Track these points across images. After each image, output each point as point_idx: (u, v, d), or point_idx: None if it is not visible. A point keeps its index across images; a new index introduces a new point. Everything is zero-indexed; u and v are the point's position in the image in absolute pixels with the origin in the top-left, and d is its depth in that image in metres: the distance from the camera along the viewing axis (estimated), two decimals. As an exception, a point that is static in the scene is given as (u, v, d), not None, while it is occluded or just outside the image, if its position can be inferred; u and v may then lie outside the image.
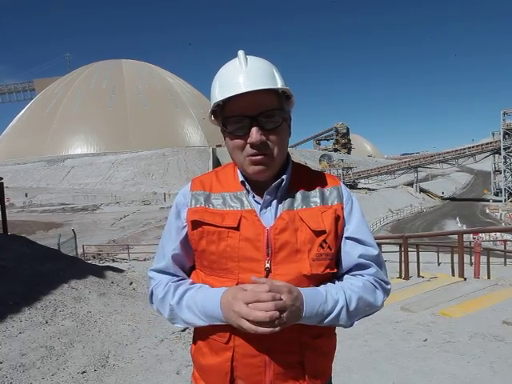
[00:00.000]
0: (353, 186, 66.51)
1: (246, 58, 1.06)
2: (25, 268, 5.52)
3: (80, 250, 17.20)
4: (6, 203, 11.78)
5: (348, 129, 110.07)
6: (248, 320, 0.93)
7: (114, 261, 17.23)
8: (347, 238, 1.12)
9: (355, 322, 1.11)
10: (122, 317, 4.80)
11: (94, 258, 17.93)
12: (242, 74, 1.03)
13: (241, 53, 1.06)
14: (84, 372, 3.43)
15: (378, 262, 1.14)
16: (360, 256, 1.11)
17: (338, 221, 1.10)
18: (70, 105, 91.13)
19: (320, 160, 76.53)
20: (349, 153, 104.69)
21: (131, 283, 6.30)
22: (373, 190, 63.68)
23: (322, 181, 1.16)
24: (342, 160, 76.67)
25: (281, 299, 0.94)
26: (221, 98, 1.04)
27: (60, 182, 61.37)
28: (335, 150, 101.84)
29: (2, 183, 8.89)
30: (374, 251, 1.13)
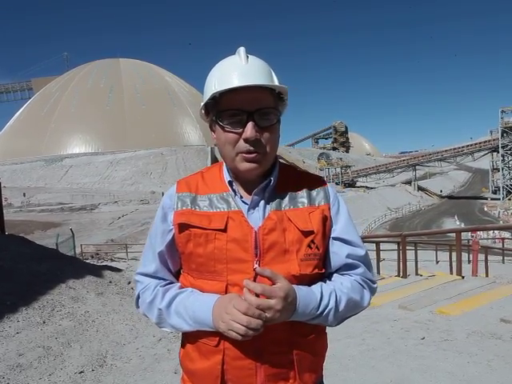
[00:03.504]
0: (351, 185, 66.64)
1: (247, 56, 1.07)
2: (22, 268, 5.50)
3: (78, 250, 17.20)
4: (4, 203, 11.75)
5: (346, 127, 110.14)
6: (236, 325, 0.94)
7: (112, 260, 17.24)
8: (334, 238, 1.12)
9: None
10: (120, 316, 4.79)
11: (92, 257, 17.93)
12: (243, 69, 1.04)
13: (242, 49, 1.07)
14: (81, 372, 3.42)
15: (366, 262, 1.14)
16: (348, 256, 1.11)
17: (326, 221, 1.10)
18: (68, 104, 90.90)
19: (318, 159, 76.56)
20: (347, 151, 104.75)
21: (129, 283, 6.29)
22: (371, 188, 63.75)
23: (308, 181, 1.16)
24: (341, 158, 76.62)
25: (266, 317, 0.94)
26: (219, 89, 1.03)
27: (58, 182, 61.29)
28: (334, 149, 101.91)
29: (0, 183, 8.87)
30: (362, 251, 1.13)
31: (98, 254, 18.91)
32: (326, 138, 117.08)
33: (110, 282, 6.03)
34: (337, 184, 65.37)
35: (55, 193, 50.55)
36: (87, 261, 13.06)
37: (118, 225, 29.73)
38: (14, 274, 5.24)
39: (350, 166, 72.62)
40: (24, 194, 47.29)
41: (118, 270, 7.32)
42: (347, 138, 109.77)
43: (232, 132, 1.04)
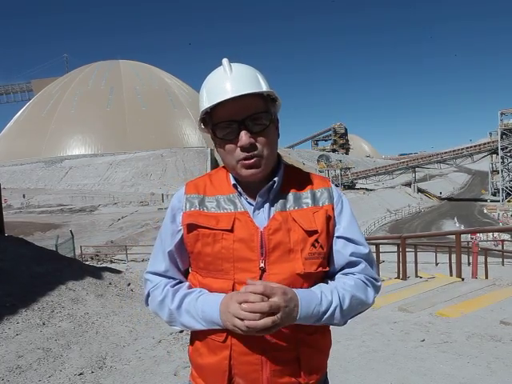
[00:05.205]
0: (351, 187, 66.60)
1: (231, 65, 1.10)
2: (22, 269, 5.50)
3: (78, 251, 17.17)
4: (4, 204, 11.74)
5: (346, 129, 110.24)
6: (240, 319, 0.97)
7: (111, 262, 17.22)
8: (338, 237, 1.15)
9: (348, 321, 1.13)
10: (120, 318, 4.79)
11: (92, 259, 17.89)
12: (228, 81, 1.08)
13: (225, 60, 1.11)
14: (81, 374, 3.42)
15: (369, 259, 1.17)
16: (351, 254, 1.14)
17: (329, 221, 1.14)
18: (68, 105, 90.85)
19: (318, 161, 76.52)
20: (347, 153, 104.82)
21: (129, 284, 6.29)
22: (371, 190, 63.73)
23: (313, 182, 1.20)
24: (340, 160, 76.55)
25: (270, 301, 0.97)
26: (208, 105, 1.09)
27: (58, 183, 61.21)
28: (333, 151, 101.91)
29: (-1, 184, 8.87)
30: (365, 249, 1.16)
31: (97, 256, 18.86)
32: (326, 140, 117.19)
33: (110, 283, 6.03)
34: (336, 186, 65.15)
35: (55, 194, 50.52)
36: (87, 262, 13.04)
37: (117, 226, 29.68)
38: (14, 275, 5.24)
39: (349, 168, 72.57)
40: (24, 196, 47.27)
41: (118, 272, 7.32)
42: (347, 140, 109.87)
43: (228, 143, 1.09)
